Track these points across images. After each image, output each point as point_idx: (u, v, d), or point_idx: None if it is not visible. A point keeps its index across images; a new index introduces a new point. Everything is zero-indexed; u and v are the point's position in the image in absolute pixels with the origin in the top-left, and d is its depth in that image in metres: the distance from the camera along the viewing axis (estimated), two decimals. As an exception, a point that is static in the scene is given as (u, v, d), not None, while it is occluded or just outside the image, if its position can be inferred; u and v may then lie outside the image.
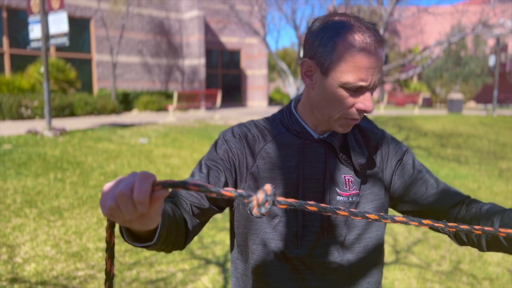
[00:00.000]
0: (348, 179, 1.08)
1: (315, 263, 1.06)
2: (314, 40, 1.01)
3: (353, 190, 1.08)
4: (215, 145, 1.13)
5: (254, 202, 0.61)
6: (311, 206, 0.63)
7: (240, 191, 0.61)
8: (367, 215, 0.66)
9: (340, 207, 0.66)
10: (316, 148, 1.08)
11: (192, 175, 1.09)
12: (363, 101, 0.98)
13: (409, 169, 1.14)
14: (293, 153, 1.08)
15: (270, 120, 1.16)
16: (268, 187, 0.62)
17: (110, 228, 0.69)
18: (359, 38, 0.95)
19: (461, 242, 1.06)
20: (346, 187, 1.07)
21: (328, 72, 0.99)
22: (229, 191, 0.61)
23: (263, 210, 0.61)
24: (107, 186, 0.64)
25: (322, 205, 0.64)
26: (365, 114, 1.05)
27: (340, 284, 1.09)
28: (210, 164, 1.08)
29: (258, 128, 1.13)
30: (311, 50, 1.02)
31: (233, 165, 1.09)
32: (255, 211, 0.61)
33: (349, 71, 0.96)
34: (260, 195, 0.61)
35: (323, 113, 1.04)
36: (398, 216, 0.67)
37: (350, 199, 1.08)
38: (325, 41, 0.98)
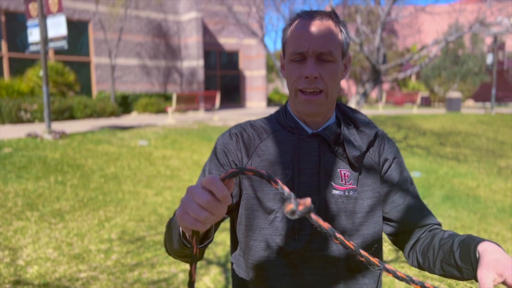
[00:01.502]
0: (344, 173, 1.09)
1: (313, 257, 1.08)
2: None
3: (350, 184, 1.09)
4: (214, 150, 1.17)
5: (290, 207, 0.67)
6: (338, 240, 0.70)
7: (285, 188, 0.68)
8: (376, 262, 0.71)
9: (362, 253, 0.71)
10: (310, 143, 1.11)
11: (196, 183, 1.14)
12: (305, 68, 1.04)
13: (395, 176, 1.16)
14: (287, 149, 1.11)
15: (267, 119, 1.20)
16: (308, 201, 0.68)
17: (196, 242, 0.76)
18: (301, 17, 1.08)
19: (413, 263, 1.12)
20: (342, 181, 1.09)
21: (285, 53, 1.11)
22: (277, 183, 0.68)
23: (291, 216, 0.68)
24: (182, 210, 0.73)
25: (348, 243, 0.71)
26: (356, 107, 1.08)
27: (337, 278, 1.09)
28: (212, 172, 1.14)
29: (254, 128, 1.17)
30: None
31: (233, 165, 1.13)
32: (286, 212, 0.68)
33: (291, 42, 1.07)
34: (299, 207, 0.67)
35: (290, 94, 1.12)
36: (400, 272, 0.71)
37: (347, 193, 1.09)
38: (283, 30, 1.14)
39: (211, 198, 0.70)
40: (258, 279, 1.12)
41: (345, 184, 1.09)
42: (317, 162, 1.09)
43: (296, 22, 1.07)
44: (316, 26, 1.04)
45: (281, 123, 1.16)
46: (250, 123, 1.20)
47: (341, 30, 1.08)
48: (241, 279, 1.19)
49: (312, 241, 1.07)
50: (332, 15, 1.07)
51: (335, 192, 1.08)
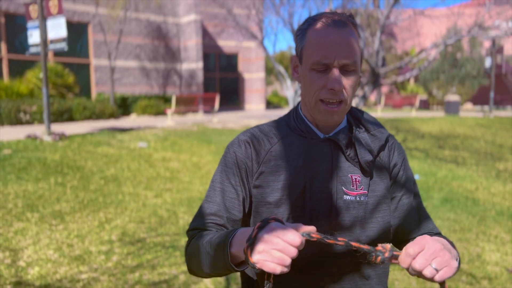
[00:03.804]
0: (355, 178, 1.08)
1: (326, 262, 1.07)
2: (295, 37, 1.11)
3: (361, 189, 1.08)
4: (224, 160, 1.15)
5: (379, 259, 0.84)
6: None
7: (365, 247, 0.84)
8: None
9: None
10: (322, 147, 1.09)
11: (207, 199, 1.13)
12: (330, 80, 1.01)
13: (401, 184, 1.16)
14: (299, 153, 1.09)
15: (276, 122, 1.18)
16: (388, 246, 0.84)
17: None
18: (321, 21, 1.04)
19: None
20: (353, 186, 1.08)
21: (302, 59, 1.08)
22: (355, 247, 0.84)
23: (381, 265, 0.87)
24: (266, 245, 0.81)
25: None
26: (363, 110, 1.08)
27: (349, 284, 1.09)
28: (223, 187, 1.12)
29: (263, 132, 1.15)
30: (295, 47, 1.12)
31: (244, 176, 1.12)
32: (378, 261, 0.84)
33: (314, 51, 1.02)
34: (385, 254, 0.85)
35: (307, 102, 1.09)
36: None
37: (358, 198, 1.08)
38: (298, 33, 1.09)
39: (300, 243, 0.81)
40: None
41: (356, 189, 1.08)
42: (329, 167, 1.08)
43: (317, 27, 1.03)
44: (341, 35, 1.00)
45: (291, 126, 1.14)
46: (259, 128, 1.17)
47: (359, 35, 1.05)
48: (251, 283, 1.18)
49: (323, 246, 1.08)
50: (350, 18, 1.05)
51: (346, 197, 1.07)
